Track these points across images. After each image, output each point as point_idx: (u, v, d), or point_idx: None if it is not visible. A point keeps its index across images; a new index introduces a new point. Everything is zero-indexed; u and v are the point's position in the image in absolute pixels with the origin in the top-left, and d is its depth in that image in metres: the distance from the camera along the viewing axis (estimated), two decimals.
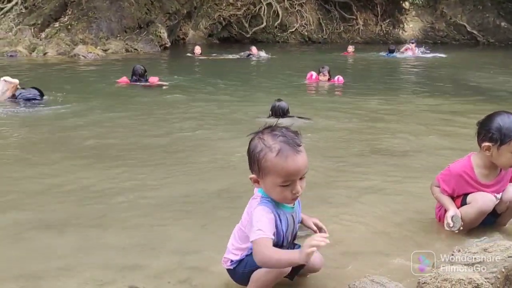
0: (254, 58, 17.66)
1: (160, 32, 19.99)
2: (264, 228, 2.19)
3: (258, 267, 2.27)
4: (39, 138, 6.09)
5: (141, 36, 19.36)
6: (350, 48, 20.57)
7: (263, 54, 18.09)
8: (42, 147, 5.67)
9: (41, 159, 5.14)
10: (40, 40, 17.98)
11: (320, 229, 2.53)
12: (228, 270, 2.47)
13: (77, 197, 4.00)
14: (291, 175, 2.14)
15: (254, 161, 2.21)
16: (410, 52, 19.82)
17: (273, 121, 6.98)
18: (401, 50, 20.12)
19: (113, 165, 4.89)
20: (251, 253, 2.29)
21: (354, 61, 18.40)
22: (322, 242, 2.02)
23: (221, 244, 3.00)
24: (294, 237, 2.46)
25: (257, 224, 2.20)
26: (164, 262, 2.85)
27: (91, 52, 16.79)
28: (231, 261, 2.42)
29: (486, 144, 3.04)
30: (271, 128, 2.23)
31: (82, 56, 16.45)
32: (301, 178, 2.19)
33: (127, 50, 18.54)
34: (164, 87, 10.42)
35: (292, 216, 2.35)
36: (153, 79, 10.75)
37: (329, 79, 11.22)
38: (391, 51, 19.48)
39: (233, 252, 2.42)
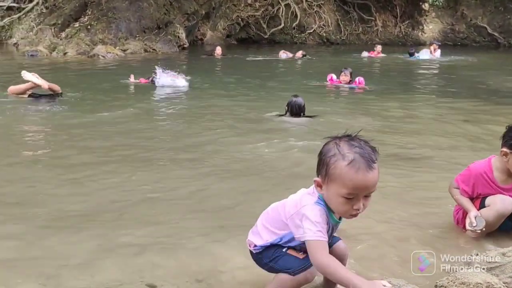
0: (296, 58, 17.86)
1: (179, 33, 20.10)
2: (323, 230, 2.14)
3: (287, 271, 2.25)
4: (57, 137, 6.14)
5: (160, 36, 19.49)
6: (378, 48, 20.32)
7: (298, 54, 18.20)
8: (64, 145, 5.73)
9: (60, 158, 5.19)
10: (60, 40, 18.21)
11: None
12: (251, 252, 2.43)
13: (96, 195, 4.05)
14: (357, 189, 2.04)
15: (324, 165, 2.12)
16: (438, 53, 19.58)
17: (286, 119, 7.00)
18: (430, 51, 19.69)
19: (132, 164, 4.93)
20: (284, 248, 2.28)
21: (379, 62, 18.23)
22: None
23: (238, 245, 3.04)
24: None
25: (316, 225, 2.13)
26: (182, 261, 2.87)
27: (110, 52, 16.95)
28: (255, 245, 2.38)
29: (504, 149, 3.05)
30: (350, 137, 2.15)
31: (101, 56, 16.61)
32: (366, 196, 2.10)
33: (145, 50, 18.68)
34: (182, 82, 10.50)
35: (333, 228, 2.30)
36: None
37: (350, 81, 10.91)
38: (411, 54, 19.20)
39: (260, 232, 2.37)
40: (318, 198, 2.20)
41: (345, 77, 10.93)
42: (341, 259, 2.42)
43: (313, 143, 5.34)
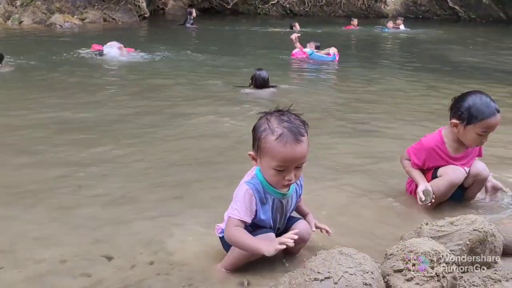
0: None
1: (139, 2, 19.62)
2: (240, 209, 2.28)
3: None
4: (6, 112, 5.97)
5: (120, 5, 19.00)
6: (354, 22, 20.34)
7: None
8: (16, 117, 5.57)
9: (10, 129, 5.05)
10: (15, 8, 17.53)
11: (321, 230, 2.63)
12: (220, 238, 2.51)
13: (51, 168, 3.97)
14: (286, 161, 2.17)
15: (256, 139, 2.24)
16: (402, 26, 19.89)
17: (250, 91, 7.01)
18: (391, 26, 19.91)
19: (86, 137, 4.84)
20: None
21: (353, 35, 18.21)
22: (289, 241, 2.16)
23: (196, 216, 3.04)
24: (286, 222, 2.50)
25: (236, 203, 2.31)
26: (138, 233, 2.86)
27: (68, 21, 16.46)
28: (222, 229, 2.46)
29: (454, 121, 3.13)
30: (281, 112, 2.26)
31: (59, 25, 16.11)
32: (298, 167, 2.21)
33: (105, 20, 18.22)
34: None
35: (282, 201, 2.39)
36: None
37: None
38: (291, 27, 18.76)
39: (225, 219, 2.45)
40: (254, 175, 2.34)
41: (309, 48, 10.94)
42: (300, 241, 2.48)
43: None
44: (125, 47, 10.67)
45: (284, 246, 2.16)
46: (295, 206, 2.55)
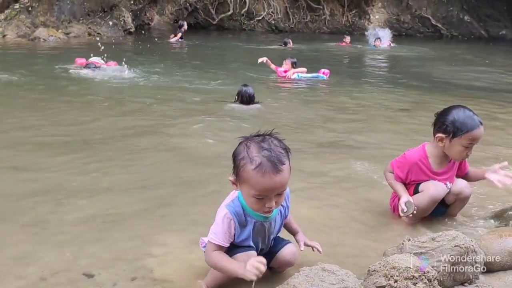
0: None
1: (124, 17, 19.60)
2: (218, 233, 2.28)
3: None
4: None
5: (105, 20, 18.93)
6: (347, 39, 20.53)
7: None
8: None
9: None
10: None
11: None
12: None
13: (32, 182, 3.92)
14: (265, 191, 2.14)
15: (235, 166, 2.21)
16: (386, 44, 20.16)
17: (236, 106, 7.03)
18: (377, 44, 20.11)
19: (67, 155, 4.76)
20: None
21: (344, 52, 18.39)
22: (261, 268, 2.09)
23: (178, 232, 3.02)
24: (270, 243, 2.49)
25: (214, 226, 2.30)
26: (120, 249, 2.84)
27: (52, 35, 16.37)
28: (205, 243, 2.45)
29: (440, 135, 3.18)
30: (261, 138, 2.20)
31: (43, 39, 16.02)
32: (278, 194, 2.19)
33: (89, 34, 18.13)
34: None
35: (264, 224, 2.37)
36: (110, 63, 10.69)
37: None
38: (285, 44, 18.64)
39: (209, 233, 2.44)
40: (235, 198, 2.33)
41: (285, 65, 10.61)
42: (286, 266, 2.54)
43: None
44: (106, 62, 10.61)
45: (258, 272, 2.09)
46: (280, 227, 2.53)
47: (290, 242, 2.56)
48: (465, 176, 3.43)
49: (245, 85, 7.33)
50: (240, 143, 2.23)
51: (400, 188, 3.31)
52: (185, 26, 18.56)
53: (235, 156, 2.21)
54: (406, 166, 3.29)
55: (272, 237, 2.47)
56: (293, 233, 2.66)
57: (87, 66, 10.36)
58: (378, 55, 17.32)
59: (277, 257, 2.49)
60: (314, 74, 10.56)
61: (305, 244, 2.59)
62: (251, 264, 2.11)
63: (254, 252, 2.34)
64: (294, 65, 10.64)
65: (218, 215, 2.33)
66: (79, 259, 2.71)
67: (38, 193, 3.72)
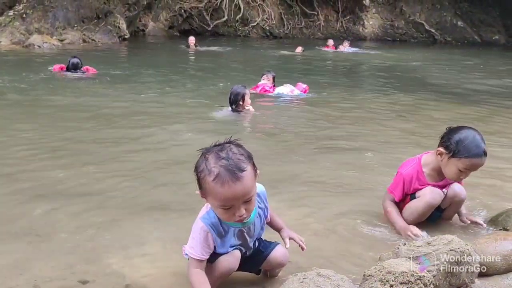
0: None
1: (119, 23, 19.60)
2: (196, 247, 2.27)
3: None
4: None
5: (99, 26, 18.94)
6: (330, 42, 20.90)
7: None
8: None
9: None
10: None
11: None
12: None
13: (24, 190, 3.89)
14: (228, 200, 2.10)
15: (197, 180, 2.18)
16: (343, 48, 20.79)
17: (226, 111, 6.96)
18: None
19: (58, 161, 4.74)
20: None
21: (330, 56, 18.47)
22: None
23: (174, 239, 3.00)
24: (253, 247, 2.48)
25: (191, 241, 2.30)
26: (113, 257, 2.81)
27: (46, 42, 16.36)
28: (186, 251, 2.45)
29: (441, 149, 3.14)
30: (220, 147, 2.17)
31: (37, 46, 16.01)
32: (246, 201, 2.15)
33: (84, 41, 18.13)
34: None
35: (243, 229, 2.36)
36: (90, 69, 10.73)
37: (273, 86, 9.39)
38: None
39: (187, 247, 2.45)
40: (210, 209, 2.31)
41: (266, 80, 9.49)
42: (278, 267, 2.55)
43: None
44: (84, 67, 10.67)
45: None
46: (262, 230, 2.51)
47: (279, 243, 2.55)
48: None
49: (235, 86, 7.33)
50: (200, 155, 2.19)
51: (398, 218, 3.26)
52: (191, 41, 18.58)
53: (196, 169, 2.17)
54: (404, 184, 3.27)
55: (253, 240, 2.44)
56: (278, 228, 2.62)
57: (67, 70, 10.46)
58: (370, 60, 17.40)
59: (269, 259, 2.49)
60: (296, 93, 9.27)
61: (290, 238, 2.57)
62: None
63: (237, 252, 2.34)
64: (274, 78, 9.62)
65: (194, 229, 2.31)
66: (72, 267, 2.68)
67: (29, 201, 3.68)
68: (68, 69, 10.53)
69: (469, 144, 3.02)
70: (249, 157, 2.17)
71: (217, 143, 2.20)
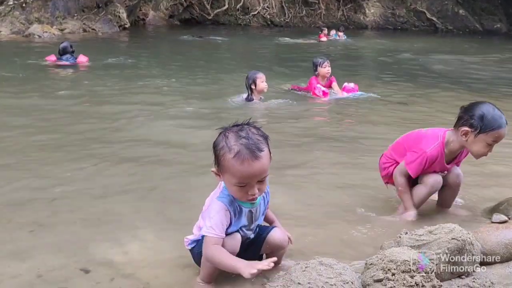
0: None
1: (119, 12, 19.54)
2: (216, 227, 2.28)
3: None
4: None
5: (99, 16, 18.89)
6: (325, 31, 20.72)
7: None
8: None
9: None
10: None
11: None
12: (190, 250, 2.51)
13: (27, 182, 3.89)
14: (246, 178, 2.17)
15: (215, 157, 2.24)
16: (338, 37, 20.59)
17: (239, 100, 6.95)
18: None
19: (62, 152, 4.73)
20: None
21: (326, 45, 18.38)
22: (267, 267, 2.13)
23: (179, 231, 3.00)
24: (256, 230, 2.50)
25: (210, 220, 2.29)
26: (116, 247, 2.82)
27: (46, 32, 16.32)
28: (191, 241, 2.47)
29: (465, 129, 3.09)
30: (239, 127, 2.24)
31: (37, 35, 15.96)
32: (260, 181, 2.22)
33: (84, 30, 18.10)
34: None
35: (251, 211, 2.40)
36: (82, 58, 10.68)
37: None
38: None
39: (193, 231, 2.47)
40: (222, 190, 2.34)
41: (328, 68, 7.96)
42: (277, 249, 2.53)
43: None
44: (77, 58, 10.62)
45: (259, 271, 2.13)
46: (264, 213, 2.55)
47: (276, 226, 2.58)
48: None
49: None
50: (219, 134, 2.26)
51: (409, 201, 3.29)
52: None
53: (214, 146, 2.24)
54: (425, 163, 3.21)
55: (256, 223, 2.48)
56: (270, 221, 2.67)
57: (59, 60, 10.42)
58: (371, 48, 17.35)
59: (267, 241, 2.50)
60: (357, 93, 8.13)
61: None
62: (252, 266, 2.14)
63: (238, 234, 2.37)
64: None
65: (211, 209, 2.32)
66: (74, 256, 2.69)
67: (31, 191, 3.69)
68: (60, 55, 10.50)
69: (493, 117, 3.02)
70: (266, 139, 2.24)
71: (236, 123, 2.28)
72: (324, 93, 7.71)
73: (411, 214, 3.26)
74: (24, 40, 15.31)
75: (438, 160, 3.22)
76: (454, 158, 3.28)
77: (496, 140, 3.07)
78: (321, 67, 7.84)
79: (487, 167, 4.39)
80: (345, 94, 7.94)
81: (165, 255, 2.74)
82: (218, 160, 2.22)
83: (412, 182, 3.34)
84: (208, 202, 2.42)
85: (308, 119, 6.47)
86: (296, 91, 8.19)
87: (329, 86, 7.97)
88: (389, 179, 3.45)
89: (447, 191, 3.39)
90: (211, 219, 2.29)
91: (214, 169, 2.29)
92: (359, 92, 8.08)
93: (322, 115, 6.72)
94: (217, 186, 2.43)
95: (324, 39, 19.84)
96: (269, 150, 2.23)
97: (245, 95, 7.19)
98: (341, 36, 20.82)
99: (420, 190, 3.27)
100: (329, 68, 7.88)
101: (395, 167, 3.35)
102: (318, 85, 7.79)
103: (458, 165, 3.39)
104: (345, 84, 8.17)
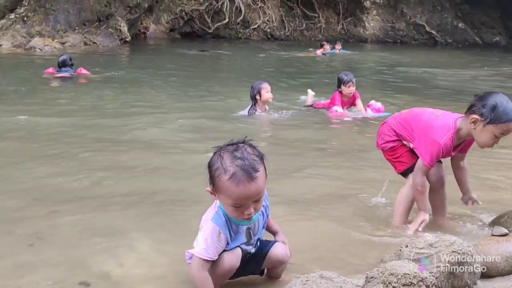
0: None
1: (120, 26, 19.62)
2: (209, 248, 2.27)
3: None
4: None
5: (100, 29, 18.96)
6: (326, 46, 20.61)
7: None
8: None
9: None
10: None
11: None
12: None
13: (25, 192, 3.90)
14: (241, 200, 2.17)
15: (210, 177, 2.23)
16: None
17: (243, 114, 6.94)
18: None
19: (59, 162, 4.75)
20: None
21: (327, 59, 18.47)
22: None
23: (181, 243, 2.99)
24: (256, 245, 2.50)
25: (204, 242, 2.28)
26: (117, 259, 2.82)
27: (48, 45, 16.38)
28: (191, 254, 2.43)
29: (475, 116, 3.04)
30: (234, 147, 2.22)
31: (38, 49, 16.03)
32: (256, 201, 2.21)
33: (85, 44, 18.16)
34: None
35: (249, 227, 2.39)
36: (82, 70, 10.73)
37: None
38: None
39: (194, 245, 2.43)
40: (217, 210, 2.33)
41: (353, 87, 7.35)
42: (279, 264, 2.54)
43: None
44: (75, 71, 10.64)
45: None
46: (264, 227, 2.53)
47: (278, 241, 2.57)
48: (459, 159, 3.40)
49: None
50: (214, 153, 2.24)
51: (426, 203, 3.29)
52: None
53: (209, 166, 2.23)
54: (440, 153, 3.17)
55: (256, 237, 2.47)
56: (273, 232, 2.66)
57: (59, 72, 10.45)
58: (370, 61, 17.41)
59: (269, 257, 2.49)
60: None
61: (284, 243, 2.59)
62: None
63: (238, 249, 2.36)
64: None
65: (205, 229, 2.31)
66: (74, 269, 2.69)
67: (30, 204, 3.68)
68: (59, 68, 10.52)
69: (505, 109, 2.96)
70: (262, 158, 2.23)
71: (231, 142, 2.26)
72: (342, 115, 7.26)
73: (426, 216, 3.25)
74: (25, 53, 15.37)
75: (447, 148, 3.18)
76: (459, 144, 3.25)
77: (504, 133, 3.02)
78: (345, 86, 7.23)
79: (488, 177, 4.40)
80: (369, 114, 7.38)
81: (164, 268, 2.73)
82: (213, 181, 2.21)
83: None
84: (204, 220, 2.40)
85: (315, 130, 6.48)
86: (319, 109, 7.75)
87: (353, 103, 7.50)
88: (385, 153, 3.50)
89: (434, 195, 3.40)
90: (204, 241, 2.28)
91: (209, 188, 2.27)
92: (385, 113, 7.17)
93: (326, 128, 6.72)
94: (213, 203, 2.41)
95: (319, 53, 19.53)
96: (265, 168, 2.22)
97: (248, 108, 7.12)
98: (338, 50, 20.71)
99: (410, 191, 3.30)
100: (353, 88, 7.28)
101: (396, 145, 3.36)
102: (336, 107, 7.27)
103: (462, 153, 3.35)
104: (372, 101, 7.62)
